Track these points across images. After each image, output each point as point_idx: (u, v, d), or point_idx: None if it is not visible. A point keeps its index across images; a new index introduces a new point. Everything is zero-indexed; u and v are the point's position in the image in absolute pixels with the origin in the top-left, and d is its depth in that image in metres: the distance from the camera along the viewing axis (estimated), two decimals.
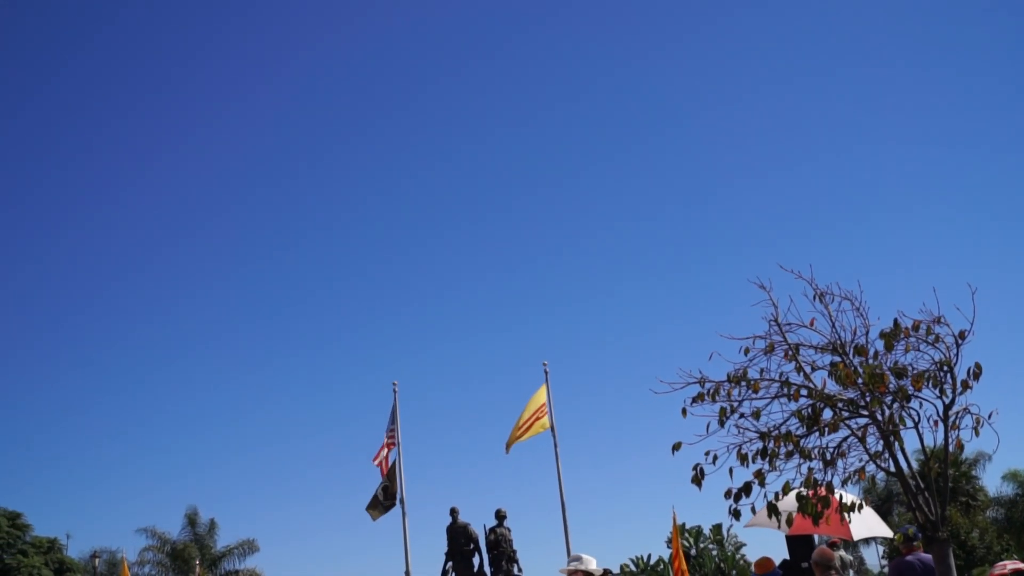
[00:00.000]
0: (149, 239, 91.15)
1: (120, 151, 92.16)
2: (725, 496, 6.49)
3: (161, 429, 79.36)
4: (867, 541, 42.78)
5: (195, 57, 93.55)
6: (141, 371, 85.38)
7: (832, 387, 6.59)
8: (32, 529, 44.24)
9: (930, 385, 6.49)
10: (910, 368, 6.55)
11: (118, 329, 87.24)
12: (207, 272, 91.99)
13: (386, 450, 20.79)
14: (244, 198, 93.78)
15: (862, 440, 6.72)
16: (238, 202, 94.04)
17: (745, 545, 57.66)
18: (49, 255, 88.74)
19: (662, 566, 56.15)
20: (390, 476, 20.44)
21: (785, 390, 6.66)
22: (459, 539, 19.22)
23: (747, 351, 6.82)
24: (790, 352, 6.76)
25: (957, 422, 6.54)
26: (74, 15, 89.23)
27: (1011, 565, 8.10)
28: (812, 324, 6.83)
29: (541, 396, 20.75)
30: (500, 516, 19.55)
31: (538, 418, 20.33)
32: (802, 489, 6.57)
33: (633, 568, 58.47)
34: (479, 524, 19.56)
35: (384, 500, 20.41)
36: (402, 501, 20.47)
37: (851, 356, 6.68)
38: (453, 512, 19.51)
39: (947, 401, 6.52)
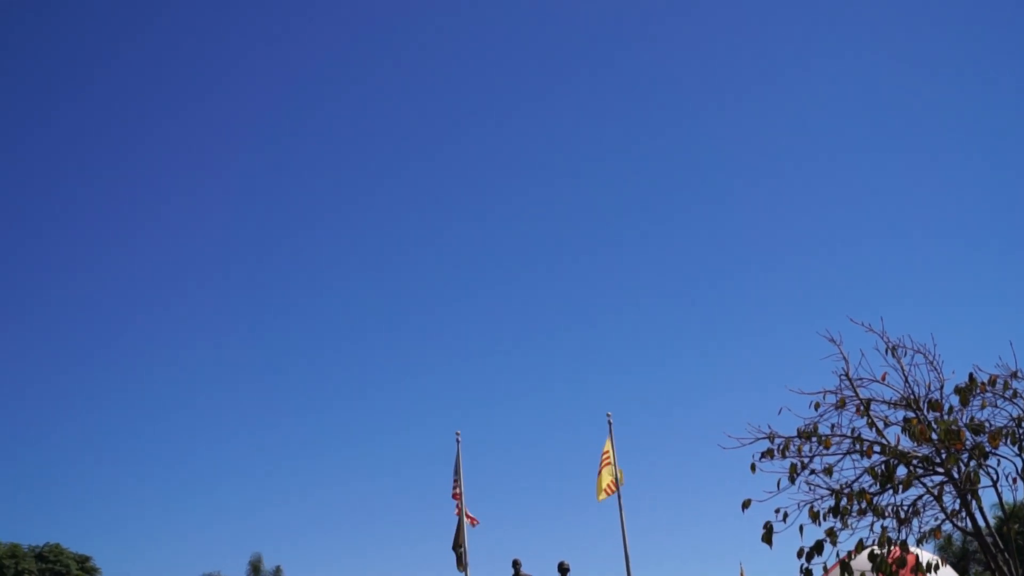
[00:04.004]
0: (210, 280, 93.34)
1: (172, 175, 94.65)
2: (797, 555, 6.38)
3: (228, 474, 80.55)
4: None
5: (230, 74, 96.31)
6: (209, 417, 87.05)
7: (906, 443, 6.47)
8: (100, 573, 45.00)
9: (1008, 442, 6.33)
10: (987, 424, 6.40)
11: (185, 374, 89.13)
12: (270, 313, 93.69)
13: (457, 501, 20.75)
14: (310, 241, 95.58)
15: (938, 498, 6.57)
16: (305, 243, 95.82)
17: None
18: (97, 290, 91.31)
19: None
20: (458, 531, 20.42)
21: (857, 446, 6.56)
22: None
23: (817, 406, 6.75)
24: (862, 407, 6.66)
25: None
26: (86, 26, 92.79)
27: None
28: (884, 379, 6.74)
29: (608, 447, 20.84)
30: (563, 569, 19.30)
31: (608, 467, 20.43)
32: (876, 548, 6.44)
33: None
34: None
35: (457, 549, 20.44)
36: (465, 552, 20.39)
37: (925, 411, 6.56)
38: (516, 564, 19.34)
39: None
